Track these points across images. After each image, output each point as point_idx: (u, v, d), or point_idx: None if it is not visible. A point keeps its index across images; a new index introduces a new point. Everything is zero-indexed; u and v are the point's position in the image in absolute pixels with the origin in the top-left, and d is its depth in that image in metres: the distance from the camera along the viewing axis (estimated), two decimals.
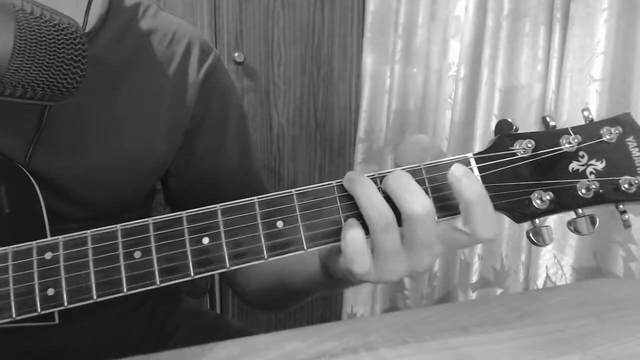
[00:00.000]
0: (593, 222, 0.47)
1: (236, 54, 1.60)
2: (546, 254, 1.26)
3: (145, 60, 0.63)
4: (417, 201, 0.43)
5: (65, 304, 0.43)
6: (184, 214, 0.44)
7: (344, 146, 1.80)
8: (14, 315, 0.42)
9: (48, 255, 0.43)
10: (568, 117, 1.19)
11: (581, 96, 1.18)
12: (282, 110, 1.70)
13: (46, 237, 0.44)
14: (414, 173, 0.46)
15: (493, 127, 0.50)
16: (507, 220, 1.39)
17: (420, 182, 0.46)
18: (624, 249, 1.17)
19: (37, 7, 0.49)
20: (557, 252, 1.24)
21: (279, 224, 0.45)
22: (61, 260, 0.43)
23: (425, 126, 1.64)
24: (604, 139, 0.48)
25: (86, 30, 0.60)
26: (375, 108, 1.73)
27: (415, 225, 0.43)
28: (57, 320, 0.47)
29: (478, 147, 1.39)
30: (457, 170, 0.43)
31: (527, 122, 1.32)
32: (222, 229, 0.44)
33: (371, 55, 1.70)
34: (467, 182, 0.43)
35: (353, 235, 0.43)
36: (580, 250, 1.21)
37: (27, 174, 0.54)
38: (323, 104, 1.75)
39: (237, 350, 0.48)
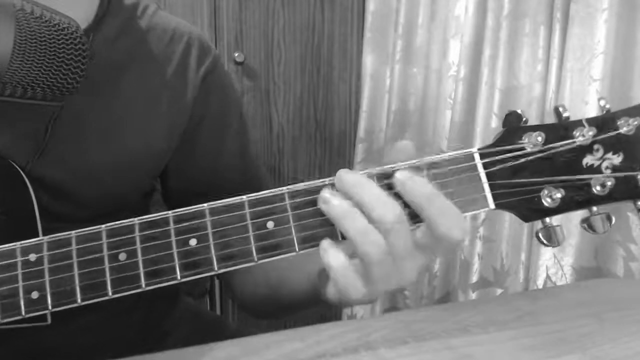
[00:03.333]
0: (609, 220, 0.44)
1: (236, 54, 1.60)
2: (546, 254, 1.26)
3: (143, 58, 0.63)
4: (388, 209, 0.41)
5: (50, 307, 0.42)
6: (170, 213, 0.43)
7: (344, 146, 1.80)
8: None
9: (32, 257, 0.42)
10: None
11: (581, 96, 1.18)
12: (282, 110, 1.70)
13: (38, 237, 0.43)
14: (414, 170, 0.44)
15: (493, 127, 0.49)
16: (507, 220, 1.39)
17: None
18: (624, 248, 1.17)
19: (37, 7, 0.49)
20: (557, 252, 1.24)
21: (270, 224, 0.43)
22: (45, 262, 0.42)
23: (425, 126, 1.64)
24: (622, 130, 0.44)
25: (88, 24, 0.60)
26: (375, 108, 1.73)
27: (389, 235, 0.41)
28: (49, 321, 0.47)
29: (478, 146, 1.38)
30: (400, 175, 0.42)
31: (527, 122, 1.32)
32: (210, 229, 0.42)
33: (371, 55, 1.70)
34: (411, 184, 0.42)
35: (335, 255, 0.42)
36: (581, 250, 1.21)
37: (21, 172, 0.54)
38: (323, 104, 1.75)
39: (236, 350, 0.48)
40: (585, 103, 1.16)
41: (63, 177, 0.58)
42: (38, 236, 0.43)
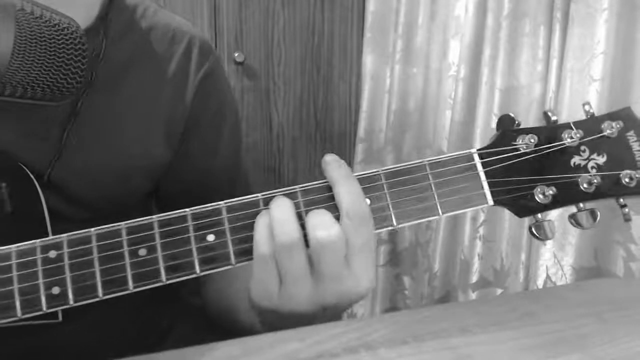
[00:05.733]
0: (594, 216, 0.48)
1: (236, 54, 1.60)
2: (546, 254, 1.26)
3: (145, 58, 0.63)
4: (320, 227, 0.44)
5: (71, 302, 0.43)
6: (188, 211, 0.45)
7: (344, 146, 1.80)
8: (19, 314, 0.42)
9: (52, 254, 0.43)
10: (568, 117, 1.19)
11: (581, 96, 1.18)
12: (282, 110, 1.70)
13: (47, 236, 0.44)
14: (418, 169, 0.47)
15: (493, 127, 0.51)
16: (507, 221, 1.39)
17: (424, 178, 0.47)
18: (624, 248, 1.17)
19: (37, 7, 0.49)
20: (557, 252, 1.24)
21: None
22: (65, 258, 0.43)
23: (425, 126, 1.64)
24: (605, 133, 0.48)
25: (90, 24, 0.60)
26: (375, 108, 1.73)
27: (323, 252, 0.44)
28: (60, 319, 0.47)
29: (478, 146, 1.38)
30: (327, 157, 0.47)
31: (527, 122, 1.32)
32: (227, 226, 0.45)
33: (371, 55, 1.70)
34: (335, 165, 0.46)
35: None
36: (581, 250, 1.21)
37: (29, 173, 0.54)
38: (323, 104, 1.75)
39: (237, 350, 0.48)
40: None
41: (67, 177, 0.58)
42: (47, 235, 0.44)
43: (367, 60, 1.71)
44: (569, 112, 1.19)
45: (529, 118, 1.33)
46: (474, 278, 1.44)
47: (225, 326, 0.67)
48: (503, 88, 1.36)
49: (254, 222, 0.45)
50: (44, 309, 0.43)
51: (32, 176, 0.54)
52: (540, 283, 1.27)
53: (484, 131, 1.38)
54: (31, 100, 0.51)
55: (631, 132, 0.49)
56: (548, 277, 1.26)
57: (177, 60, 0.65)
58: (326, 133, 1.77)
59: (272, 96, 1.68)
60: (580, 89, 1.18)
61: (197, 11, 1.56)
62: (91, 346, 0.64)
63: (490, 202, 0.48)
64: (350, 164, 1.78)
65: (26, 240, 0.44)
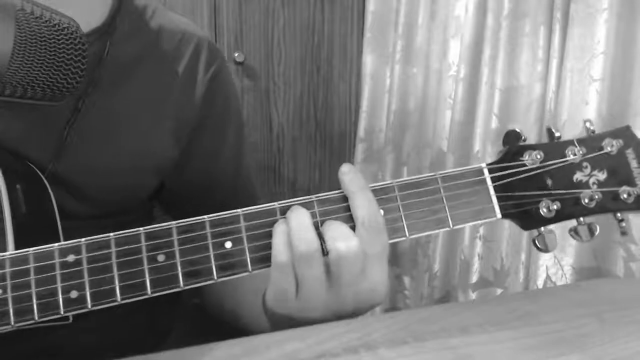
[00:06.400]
0: (593, 229, 0.50)
1: (236, 54, 1.60)
2: (546, 254, 1.26)
3: (154, 59, 0.64)
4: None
5: (89, 306, 0.43)
6: (206, 218, 0.45)
7: (344, 146, 1.80)
8: (36, 318, 0.43)
9: (71, 258, 0.43)
10: (568, 117, 1.19)
11: (581, 96, 1.18)
12: (282, 110, 1.70)
13: (58, 235, 0.44)
14: (430, 182, 0.48)
15: (493, 127, 0.52)
16: (507, 221, 1.39)
17: (436, 191, 0.48)
18: (624, 248, 1.17)
19: (37, 7, 0.49)
20: (557, 252, 1.24)
21: None
22: (84, 262, 0.43)
23: (425, 126, 1.64)
24: (606, 150, 0.50)
25: (99, 25, 0.60)
26: (375, 108, 1.73)
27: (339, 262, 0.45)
28: (71, 319, 0.47)
29: (478, 146, 1.39)
30: (344, 167, 0.48)
31: (527, 122, 1.32)
32: (244, 233, 0.45)
33: (371, 55, 1.70)
34: (352, 176, 0.47)
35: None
36: (580, 250, 1.21)
37: (39, 173, 0.54)
38: (323, 104, 1.75)
39: (237, 350, 0.48)
40: (586, 103, 1.16)
41: (71, 175, 0.58)
42: (58, 235, 0.44)
43: (367, 60, 1.71)
44: (569, 112, 1.19)
45: (529, 118, 1.33)
46: (474, 278, 1.44)
47: (225, 321, 0.67)
48: (503, 88, 1.36)
49: (270, 230, 0.46)
50: (62, 312, 0.43)
51: (42, 176, 0.54)
52: (540, 283, 1.27)
53: (484, 131, 1.38)
54: (31, 100, 0.51)
55: (630, 150, 0.50)
56: (548, 277, 1.26)
57: (185, 60, 0.66)
58: (326, 133, 1.77)
59: (272, 96, 1.68)
60: (580, 89, 1.18)
61: (197, 11, 1.56)
62: (91, 347, 0.64)
63: (499, 215, 0.50)
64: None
65: (40, 240, 0.44)
